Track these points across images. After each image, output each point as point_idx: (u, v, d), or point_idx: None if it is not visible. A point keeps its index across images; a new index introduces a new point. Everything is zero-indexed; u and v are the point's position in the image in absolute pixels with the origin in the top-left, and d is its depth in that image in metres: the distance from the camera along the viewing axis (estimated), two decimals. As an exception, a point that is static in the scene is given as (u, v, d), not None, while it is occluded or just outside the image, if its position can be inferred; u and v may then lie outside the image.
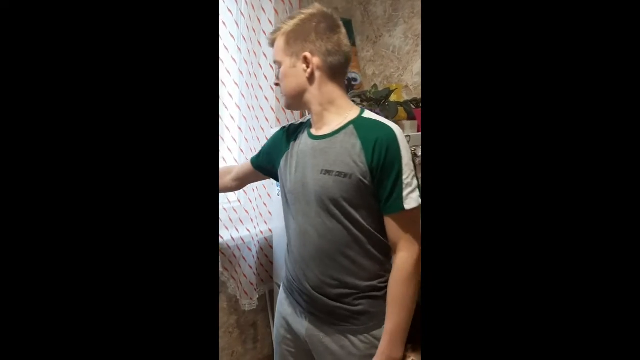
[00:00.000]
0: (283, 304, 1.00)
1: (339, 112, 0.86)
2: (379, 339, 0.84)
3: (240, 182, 1.13)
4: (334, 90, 0.86)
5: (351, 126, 0.83)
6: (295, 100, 0.89)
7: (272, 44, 0.90)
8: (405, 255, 0.80)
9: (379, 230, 0.83)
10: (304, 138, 0.91)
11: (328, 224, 0.83)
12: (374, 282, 0.85)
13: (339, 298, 0.85)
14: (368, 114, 0.86)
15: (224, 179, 1.13)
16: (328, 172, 0.81)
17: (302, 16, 0.87)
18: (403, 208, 0.78)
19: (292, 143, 0.93)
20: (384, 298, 0.84)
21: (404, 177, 0.78)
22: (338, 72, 0.87)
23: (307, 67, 0.84)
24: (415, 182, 0.80)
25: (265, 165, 1.02)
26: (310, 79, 0.85)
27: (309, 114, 0.93)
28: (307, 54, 0.83)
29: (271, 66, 1.45)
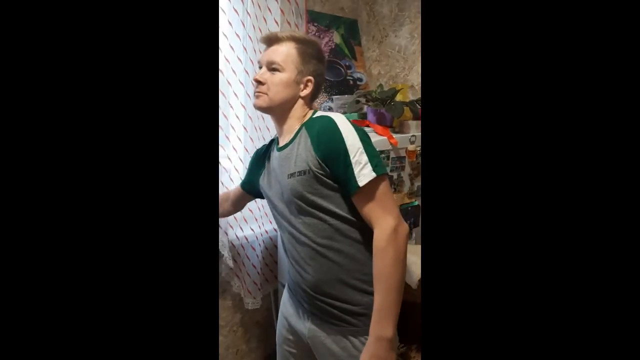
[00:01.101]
0: (286, 305, 1.01)
1: (299, 122, 0.92)
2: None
3: (238, 207, 1.23)
4: (306, 110, 0.94)
5: (303, 128, 0.88)
6: (278, 109, 0.92)
7: (272, 43, 0.91)
8: (377, 232, 0.81)
9: (356, 216, 0.85)
10: (273, 153, 0.97)
11: (307, 221, 0.86)
12: (367, 275, 0.84)
13: (337, 297, 0.86)
14: (318, 112, 0.92)
15: (223, 206, 1.21)
16: (292, 175, 0.86)
17: (306, 37, 0.94)
18: (358, 186, 0.79)
19: (266, 163, 1.00)
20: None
21: (351, 157, 0.80)
22: (314, 99, 0.96)
23: (305, 88, 0.91)
24: (365, 158, 0.80)
25: (251, 189, 1.11)
26: (302, 98, 0.92)
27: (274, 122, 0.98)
28: (312, 79, 0.91)
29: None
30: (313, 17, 1.65)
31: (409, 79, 1.78)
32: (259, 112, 1.42)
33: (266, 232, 1.50)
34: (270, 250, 1.58)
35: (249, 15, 1.34)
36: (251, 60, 1.36)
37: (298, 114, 0.92)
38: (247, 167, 1.14)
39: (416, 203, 1.48)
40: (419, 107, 1.53)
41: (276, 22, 1.43)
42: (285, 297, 1.03)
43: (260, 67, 0.93)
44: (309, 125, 0.88)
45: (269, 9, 1.42)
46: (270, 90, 0.89)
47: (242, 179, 1.17)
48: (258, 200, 1.50)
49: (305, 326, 0.93)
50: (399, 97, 1.49)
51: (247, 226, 1.47)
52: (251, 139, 1.42)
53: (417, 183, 1.48)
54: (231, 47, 1.32)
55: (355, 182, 0.79)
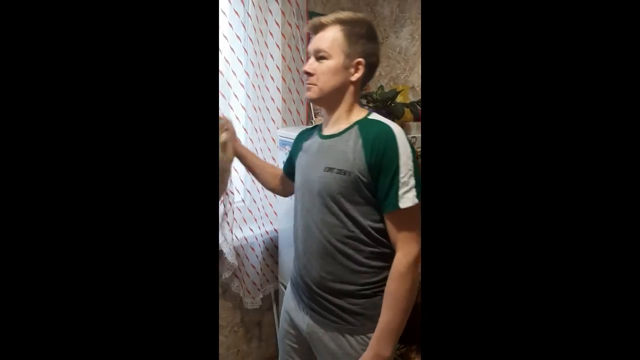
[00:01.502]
0: (288, 299, 1.02)
1: (351, 114, 0.89)
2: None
3: (283, 186, 1.15)
4: (358, 97, 0.90)
5: (356, 126, 0.85)
6: (329, 97, 0.88)
7: (318, 30, 0.87)
8: (400, 255, 0.81)
9: (378, 230, 0.84)
10: (314, 138, 0.95)
11: (328, 219, 0.85)
12: (371, 283, 0.85)
13: (337, 295, 0.86)
14: (374, 115, 0.89)
15: (274, 174, 1.15)
16: (330, 169, 0.84)
17: (353, 16, 0.87)
18: (398, 207, 0.79)
19: (304, 144, 0.97)
20: (381, 301, 0.84)
21: (401, 175, 0.79)
22: (367, 82, 0.91)
23: (355, 72, 0.86)
24: (412, 182, 0.79)
25: (291, 172, 1.05)
26: (353, 83, 0.88)
27: (320, 114, 0.95)
28: (362, 61, 0.86)
29: (278, 67, 1.46)
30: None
31: (409, 80, 1.78)
32: (259, 114, 1.43)
33: (266, 232, 1.51)
34: (270, 250, 1.58)
35: (250, 17, 1.35)
36: (252, 62, 1.37)
37: (348, 104, 0.88)
38: (290, 149, 1.09)
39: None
40: (420, 108, 1.53)
41: (277, 24, 1.44)
42: (288, 291, 1.03)
43: (309, 58, 0.89)
44: (364, 127, 0.84)
45: (270, 11, 1.43)
46: (320, 80, 0.85)
47: (284, 162, 1.13)
48: (257, 201, 1.51)
49: (304, 321, 0.93)
50: (399, 99, 1.49)
51: (247, 227, 1.48)
52: (251, 140, 1.43)
53: (417, 184, 1.48)
54: (232, 48, 1.32)
55: (397, 202, 0.78)
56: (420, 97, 1.67)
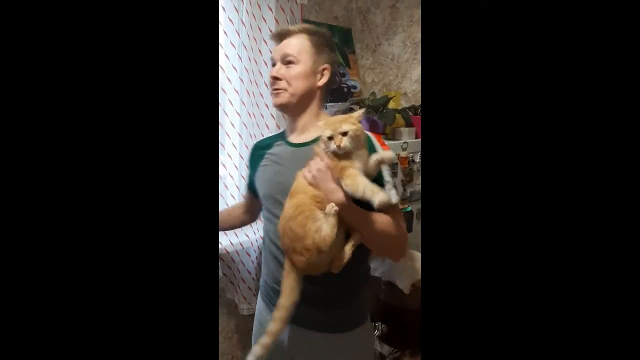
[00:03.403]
0: (262, 313, 1.00)
1: (318, 120, 0.91)
2: (358, 340, 0.90)
3: (251, 212, 1.16)
4: (322, 103, 0.94)
5: None
6: (299, 102, 0.90)
7: (282, 38, 0.90)
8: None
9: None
10: (280, 147, 0.95)
11: None
12: (350, 279, 0.86)
13: (318, 289, 0.85)
14: None
15: (239, 216, 1.15)
16: None
17: (318, 28, 0.92)
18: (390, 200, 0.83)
19: (267, 156, 0.97)
20: (357, 300, 0.89)
21: (385, 176, 0.83)
22: (328, 89, 0.95)
23: (321, 77, 0.90)
24: (393, 181, 0.84)
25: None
26: (319, 88, 0.91)
27: (286, 120, 0.97)
28: (328, 67, 0.90)
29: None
30: (307, 26, 1.68)
31: (401, 87, 1.81)
32: (254, 120, 1.44)
33: (261, 238, 1.51)
34: (265, 256, 1.58)
35: (244, 25, 1.37)
36: (246, 69, 1.38)
37: (314, 110, 0.91)
38: (249, 165, 1.08)
39: (409, 209, 1.49)
40: (412, 114, 1.55)
41: (271, 32, 1.46)
42: (260, 306, 1.02)
43: (274, 64, 0.90)
44: None
45: (264, 19, 1.45)
46: (291, 85, 0.87)
47: (247, 181, 1.11)
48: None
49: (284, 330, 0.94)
50: (391, 105, 1.51)
51: (242, 232, 1.49)
52: (246, 145, 1.44)
53: (410, 189, 1.50)
54: (226, 55, 1.34)
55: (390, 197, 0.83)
56: (411, 103, 1.70)
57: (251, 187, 1.06)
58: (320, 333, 0.89)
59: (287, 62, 0.88)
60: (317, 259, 0.76)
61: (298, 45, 0.88)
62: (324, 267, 0.79)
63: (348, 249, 0.79)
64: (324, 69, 0.90)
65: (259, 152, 1.02)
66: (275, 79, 0.89)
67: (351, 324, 0.90)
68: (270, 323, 0.80)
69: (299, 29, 0.89)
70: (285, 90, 0.88)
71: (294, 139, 0.93)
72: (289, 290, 0.80)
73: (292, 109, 0.92)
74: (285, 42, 0.89)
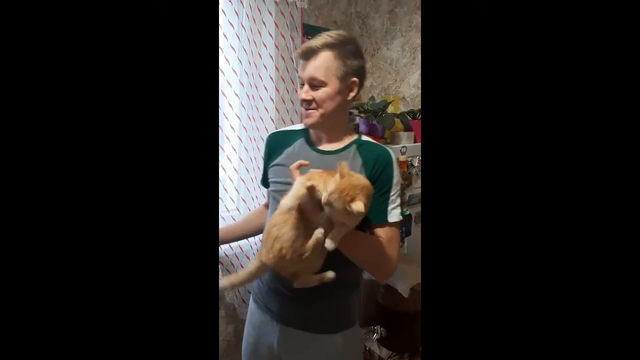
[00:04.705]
0: (254, 314, 1.02)
1: (342, 133, 0.94)
2: (345, 342, 0.91)
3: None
4: (348, 112, 0.95)
5: (354, 146, 0.91)
6: (329, 119, 0.89)
7: (309, 56, 0.86)
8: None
9: None
10: (304, 150, 0.94)
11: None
12: (341, 284, 0.86)
13: (308, 291, 0.85)
14: (364, 137, 0.96)
15: (257, 222, 1.11)
16: None
17: (340, 37, 0.88)
18: (387, 220, 0.86)
19: (286, 150, 0.96)
20: (345, 302, 0.92)
21: (391, 193, 0.87)
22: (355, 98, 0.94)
23: (351, 91, 0.90)
24: (398, 201, 0.88)
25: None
26: (348, 102, 0.92)
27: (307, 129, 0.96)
28: (356, 80, 0.90)
29: (271, 78, 1.48)
30: (308, 30, 1.69)
31: (400, 91, 1.82)
32: (253, 123, 1.45)
33: (260, 241, 1.51)
34: (264, 259, 1.58)
35: (244, 28, 1.37)
36: (246, 72, 1.39)
37: (343, 121, 0.95)
38: (265, 157, 1.04)
39: (407, 212, 1.50)
40: (410, 118, 1.56)
41: (270, 36, 1.47)
42: (252, 307, 1.03)
43: (302, 84, 0.89)
44: (363, 148, 0.90)
45: (264, 23, 1.46)
46: (321, 107, 0.87)
47: (262, 171, 1.07)
48: (252, 209, 1.51)
49: (274, 330, 0.94)
50: (390, 109, 1.52)
51: (241, 235, 1.48)
52: (246, 149, 1.44)
53: (409, 193, 1.51)
54: (226, 59, 1.35)
55: (386, 216, 0.86)
56: (410, 108, 1.71)
57: (265, 179, 1.05)
58: (309, 333, 0.90)
59: (314, 85, 0.87)
60: (280, 263, 0.78)
61: (324, 66, 0.86)
62: (288, 274, 0.82)
63: (316, 278, 0.80)
64: (352, 83, 0.89)
65: (276, 144, 0.99)
66: (306, 101, 0.89)
67: (338, 325, 0.92)
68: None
69: (322, 45, 0.86)
70: (316, 110, 0.88)
71: (321, 146, 0.94)
72: (252, 268, 0.85)
73: (323, 126, 0.92)
74: (311, 63, 0.86)
